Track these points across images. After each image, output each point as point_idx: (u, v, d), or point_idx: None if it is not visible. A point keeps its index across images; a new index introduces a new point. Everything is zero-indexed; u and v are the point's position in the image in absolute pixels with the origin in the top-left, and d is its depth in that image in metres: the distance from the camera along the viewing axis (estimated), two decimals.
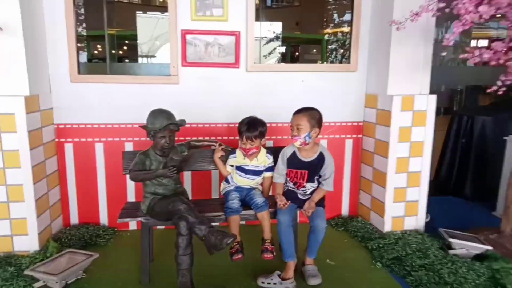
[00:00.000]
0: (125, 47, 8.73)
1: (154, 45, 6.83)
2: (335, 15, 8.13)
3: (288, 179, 2.35)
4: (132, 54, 7.71)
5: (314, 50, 9.77)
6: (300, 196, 2.32)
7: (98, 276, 2.28)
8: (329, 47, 7.27)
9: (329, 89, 2.98)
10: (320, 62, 7.61)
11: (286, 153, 2.33)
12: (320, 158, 2.27)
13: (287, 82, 2.93)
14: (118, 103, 2.79)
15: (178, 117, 2.23)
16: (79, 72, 2.70)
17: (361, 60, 2.96)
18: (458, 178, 3.90)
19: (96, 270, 2.32)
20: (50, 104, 2.70)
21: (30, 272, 2.11)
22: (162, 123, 2.11)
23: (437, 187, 4.04)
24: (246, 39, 2.80)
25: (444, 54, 8.37)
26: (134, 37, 6.69)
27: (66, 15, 2.63)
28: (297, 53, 10.05)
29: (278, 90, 2.92)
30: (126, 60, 7.92)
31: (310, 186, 2.30)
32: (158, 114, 2.16)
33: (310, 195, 2.31)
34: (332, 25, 8.24)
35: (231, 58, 2.80)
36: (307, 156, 2.28)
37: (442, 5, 1.97)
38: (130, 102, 2.79)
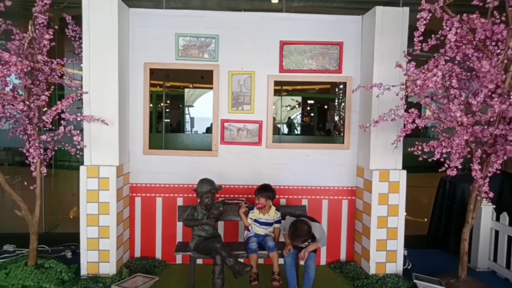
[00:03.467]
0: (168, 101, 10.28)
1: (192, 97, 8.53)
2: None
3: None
4: (176, 104, 9.23)
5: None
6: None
7: None
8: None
9: (329, 161, 3.97)
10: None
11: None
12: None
13: (297, 156, 3.95)
14: (173, 169, 3.90)
15: (217, 181, 3.31)
16: (149, 148, 3.88)
17: (352, 141, 3.96)
18: (444, 234, 4.63)
19: None
20: (128, 169, 3.85)
21: (115, 287, 3.14)
22: (207, 188, 3.19)
23: (429, 241, 4.80)
24: (266, 126, 3.90)
25: None
26: (181, 96, 8.34)
27: (144, 112, 3.85)
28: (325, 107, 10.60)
29: (289, 161, 3.94)
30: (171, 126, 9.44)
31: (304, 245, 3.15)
32: (204, 181, 3.25)
33: (308, 243, 3.21)
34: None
35: (255, 138, 3.90)
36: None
37: (393, 116, 2.97)
38: (182, 168, 3.90)
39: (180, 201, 3.91)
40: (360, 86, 3.20)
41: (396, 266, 3.66)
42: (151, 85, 3.95)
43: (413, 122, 2.85)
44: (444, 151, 2.92)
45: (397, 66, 2.88)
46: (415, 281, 3.28)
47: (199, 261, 3.79)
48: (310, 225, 3.05)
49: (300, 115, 9.45)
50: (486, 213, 3.88)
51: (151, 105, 4.06)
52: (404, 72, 2.94)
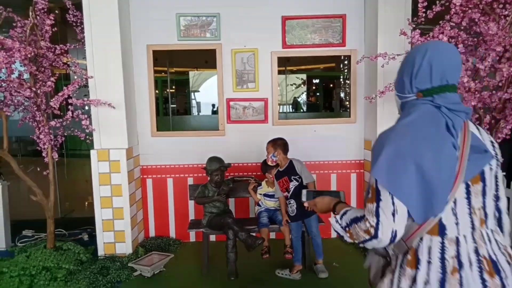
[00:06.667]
0: (174, 87, 10.31)
1: (197, 82, 8.55)
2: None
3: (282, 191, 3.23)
4: (181, 90, 9.25)
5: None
6: (295, 208, 3.16)
7: (173, 270, 3.36)
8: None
9: (335, 136, 3.98)
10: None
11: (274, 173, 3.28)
12: (290, 164, 3.20)
13: (303, 132, 3.97)
14: (182, 150, 3.95)
15: (226, 160, 3.35)
16: (157, 130, 3.92)
17: (358, 114, 3.96)
18: None
19: (171, 266, 3.39)
20: (137, 152, 3.91)
21: (132, 264, 3.24)
22: (216, 166, 3.23)
23: None
24: (272, 103, 3.91)
25: None
26: (186, 81, 8.35)
27: (149, 93, 3.88)
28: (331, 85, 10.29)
29: (296, 137, 3.93)
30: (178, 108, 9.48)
31: (292, 185, 3.16)
32: (213, 159, 3.29)
33: (296, 199, 3.11)
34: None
35: (261, 116, 3.91)
36: (282, 167, 3.23)
37: None
38: (191, 149, 3.94)
39: (190, 181, 3.97)
40: (364, 56, 3.17)
41: None
42: (156, 71, 3.96)
43: None
44: None
45: (402, 34, 2.84)
46: None
47: (212, 238, 3.88)
48: (282, 143, 3.24)
49: (305, 94, 9.40)
50: None
51: (157, 91, 4.08)
52: (409, 40, 2.90)
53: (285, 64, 8.03)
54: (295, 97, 9.32)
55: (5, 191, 3.90)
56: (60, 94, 3.26)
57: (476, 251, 1.11)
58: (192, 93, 9.07)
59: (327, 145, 3.97)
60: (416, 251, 1.14)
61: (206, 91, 9.31)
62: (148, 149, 3.94)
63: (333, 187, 4.04)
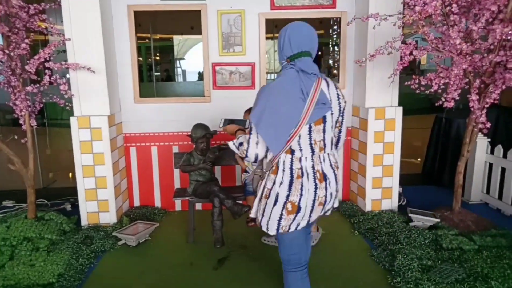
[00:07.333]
0: (158, 54, 9.99)
1: (182, 49, 8.29)
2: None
3: None
4: (166, 58, 8.98)
5: None
6: None
7: (158, 239, 3.32)
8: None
9: None
10: None
11: None
12: None
13: None
14: (167, 117, 3.82)
15: (212, 127, 3.25)
16: (140, 96, 3.77)
17: (348, 80, 3.87)
18: (439, 170, 4.70)
19: (156, 235, 3.36)
20: (120, 119, 3.77)
21: (116, 234, 3.18)
22: (201, 133, 3.13)
23: (423, 178, 4.88)
24: (259, 68, 3.78)
25: None
26: (170, 48, 8.06)
27: (131, 57, 3.70)
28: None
29: None
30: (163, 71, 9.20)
31: None
32: (198, 126, 3.18)
33: None
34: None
35: (248, 82, 3.79)
36: None
37: (390, 49, 2.87)
38: (175, 116, 3.82)
39: (175, 149, 3.87)
40: (355, 17, 3.05)
41: (391, 203, 3.73)
42: (140, 38, 3.75)
43: (411, 54, 2.75)
44: (442, 82, 2.85)
45: None
46: (410, 215, 3.35)
47: (198, 206, 3.84)
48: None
49: None
50: (481, 147, 3.89)
51: (140, 58, 3.89)
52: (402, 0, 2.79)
53: (273, 31, 7.79)
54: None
55: None
56: (36, 57, 3.07)
57: (313, 167, 1.74)
58: (178, 61, 8.81)
59: None
60: (277, 164, 1.76)
61: (192, 59, 9.05)
62: (131, 116, 3.81)
63: None
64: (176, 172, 3.87)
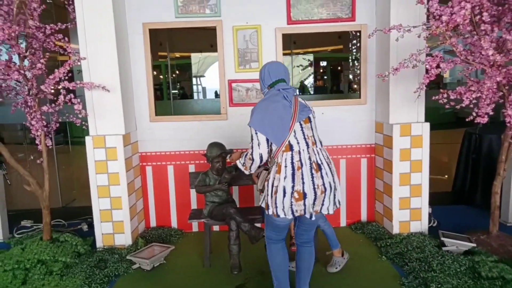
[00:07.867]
0: (177, 71, 10.02)
1: (202, 66, 8.35)
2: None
3: None
4: (184, 76, 8.99)
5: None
6: None
7: (174, 262, 3.19)
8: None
9: (345, 118, 3.73)
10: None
11: None
12: None
13: None
14: (183, 135, 3.74)
15: (228, 146, 3.13)
16: (156, 114, 3.71)
17: (369, 94, 3.70)
18: (470, 189, 4.40)
19: (172, 258, 3.23)
20: (136, 138, 3.71)
21: (131, 257, 3.07)
22: (217, 152, 3.02)
23: (454, 197, 4.59)
24: None
25: None
26: (188, 66, 8.08)
27: (147, 76, 3.65)
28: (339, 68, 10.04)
29: None
30: (180, 90, 9.23)
31: None
32: (214, 145, 3.07)
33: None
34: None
35: None
36: None
37: (415, 62, 2.69)
38: (192, 134, 3.73)
39: (192, 168, 3.77)
40: (377, 29, 2.89)
41: (421, 225, 3.48)
42: (160, 56, 3.72)
43: (438, 67, 2.57)
44: (473, 96, 2.64)
45: (419, 2, 2.56)
46: (442, 238, 3.10)
47: (216, 228, 3.69)
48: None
49: (312, 77, 9.08)
50: None
51: (161, 76, 3.84)
52: (426, 8, 2.62)
53: (291, 47, 7.73)
54: (301, 81, 9.02)
55: (0, 179, 3.75)
56: (51, 77, 3.05)
57: (309, 158, 2.13)
58: (197, 78, 8.81)
59: (335, 128, 3.72)
60: (280, 164, 2.12)
61: (212, 76, 9.04)
62: (147, 135, 3.74)
63: (342, 174, 3.81)
64: (193, 192, 3.76)
